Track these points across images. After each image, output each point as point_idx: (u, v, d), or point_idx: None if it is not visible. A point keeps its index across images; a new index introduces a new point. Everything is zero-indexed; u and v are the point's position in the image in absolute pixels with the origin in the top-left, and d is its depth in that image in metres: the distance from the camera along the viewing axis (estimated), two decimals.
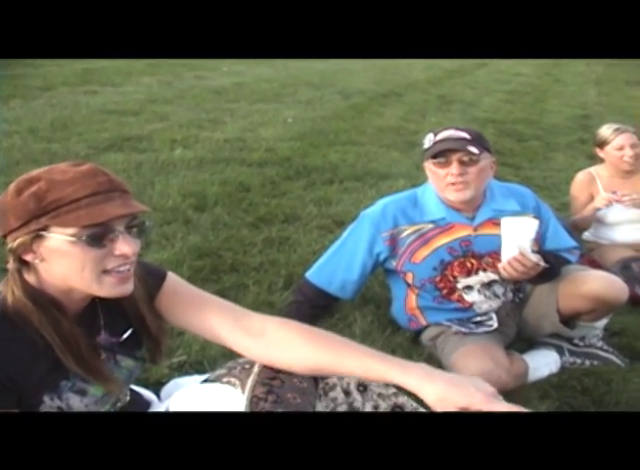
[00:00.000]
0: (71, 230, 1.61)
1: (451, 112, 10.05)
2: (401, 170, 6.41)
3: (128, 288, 1.73)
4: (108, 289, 1.69)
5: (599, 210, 4.27)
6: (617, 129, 4.38)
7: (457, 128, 3.13)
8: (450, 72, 14.56)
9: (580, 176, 4.56)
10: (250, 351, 1.91)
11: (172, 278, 1.98)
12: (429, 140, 3.12)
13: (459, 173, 3.03)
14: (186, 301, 1.95)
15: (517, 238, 2.96)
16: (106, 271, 1.67)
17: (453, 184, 3.05)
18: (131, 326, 1.88)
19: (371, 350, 1.90)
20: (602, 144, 4.42)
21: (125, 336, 1.87)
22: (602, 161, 4.51)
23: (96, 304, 1.81)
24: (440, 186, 3.11)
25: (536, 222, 2.99)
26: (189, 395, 1.75)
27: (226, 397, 1.75)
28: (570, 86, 14.19)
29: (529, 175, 6.60)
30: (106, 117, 8.06)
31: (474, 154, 3.02)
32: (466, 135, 3.07)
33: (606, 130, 4.42)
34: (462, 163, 3.03)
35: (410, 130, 8.41)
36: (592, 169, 4.55)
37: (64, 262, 1.64)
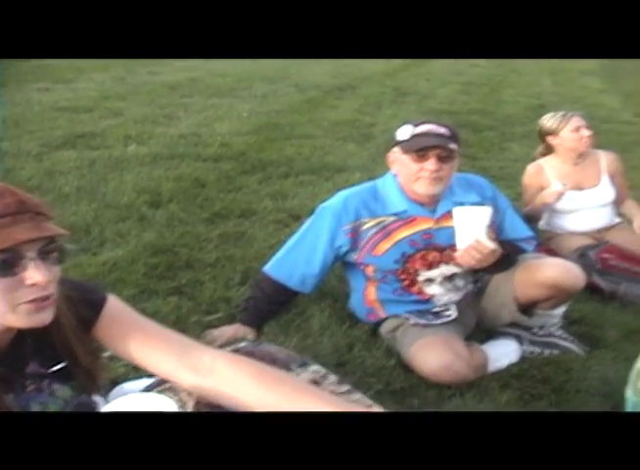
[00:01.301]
0: None
1: (407, 104, 10.04)
2: (357, 163, 6.40)
3: (44, 318, 1.57)
4: (24, 318, 1.54)
5: (548, 204, 4.27)
6: (564, 114, 4.38)
7: (436, 123, 3.11)
8: (405, 64, 14.56)
9: (530, 169, 4.55)
10: (196, 388, 1.77)
11: (112, 304, 1.82)
12: (406, 132, 3.09)
13: (435, 169, 3.01)
14: (128, 331, 1.79)
15: (471, 226, 2.96)
16: (20, 304, 1.52)
17: (427, 178, 3.04)
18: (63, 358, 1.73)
19: (327, 394, 1.82)
20: (554, 131, 4.39)
21: (55, 368, 1.71)
22: (549, 150, 4.50)
23: (24, 333, 1.64)
24: (409, 178, 3.08)
25: (489, 209, 3.00)
26: (123, 406, 1.67)
27: (161, 408, 1.66)
28: (525, 76, 14.23)
29: (486, 166, 6.61)
30: (58, 115, 7.97)
31: (453, 151, 3.03)
32: (445, 131, 3.06)
33: (553, 118, 4.40)
34: (440, 158, 3.02)
35: (365, 123, 8.40)
36: (541, 161, 4.53)
37: None
